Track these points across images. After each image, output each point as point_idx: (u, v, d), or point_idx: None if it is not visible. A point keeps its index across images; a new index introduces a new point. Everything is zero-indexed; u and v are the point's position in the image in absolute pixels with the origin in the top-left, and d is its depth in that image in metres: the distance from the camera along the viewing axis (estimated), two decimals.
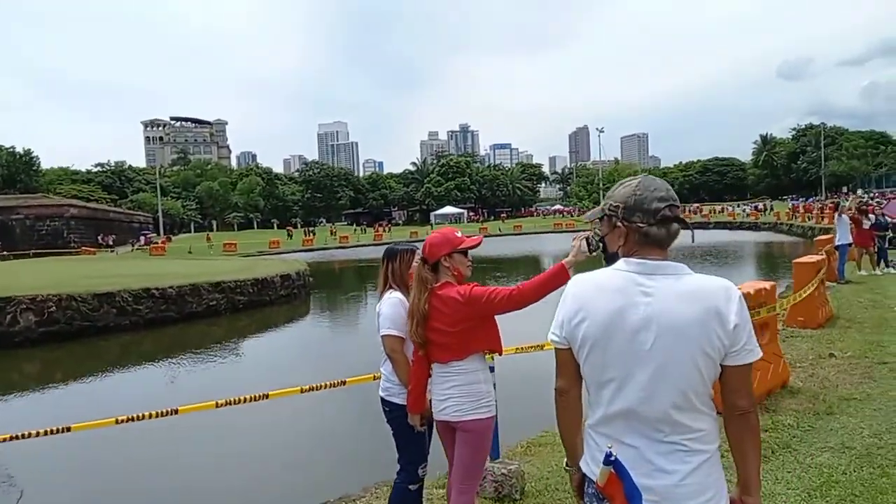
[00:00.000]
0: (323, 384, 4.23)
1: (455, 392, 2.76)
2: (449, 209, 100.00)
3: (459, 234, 2.91)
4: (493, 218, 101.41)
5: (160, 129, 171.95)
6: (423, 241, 2.98)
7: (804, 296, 7.87)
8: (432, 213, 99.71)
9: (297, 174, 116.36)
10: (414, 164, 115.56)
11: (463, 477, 2.81)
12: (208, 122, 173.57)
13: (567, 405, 1.80)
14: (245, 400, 4.06)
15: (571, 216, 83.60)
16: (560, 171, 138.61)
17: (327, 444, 7.22)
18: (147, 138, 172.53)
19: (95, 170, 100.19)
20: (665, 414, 1.58)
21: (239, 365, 12.48)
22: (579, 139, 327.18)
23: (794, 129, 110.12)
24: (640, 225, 1.67)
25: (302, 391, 4.20)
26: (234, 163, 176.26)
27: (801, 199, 73.01)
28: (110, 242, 53.37)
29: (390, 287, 3.18)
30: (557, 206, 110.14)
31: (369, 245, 56.51)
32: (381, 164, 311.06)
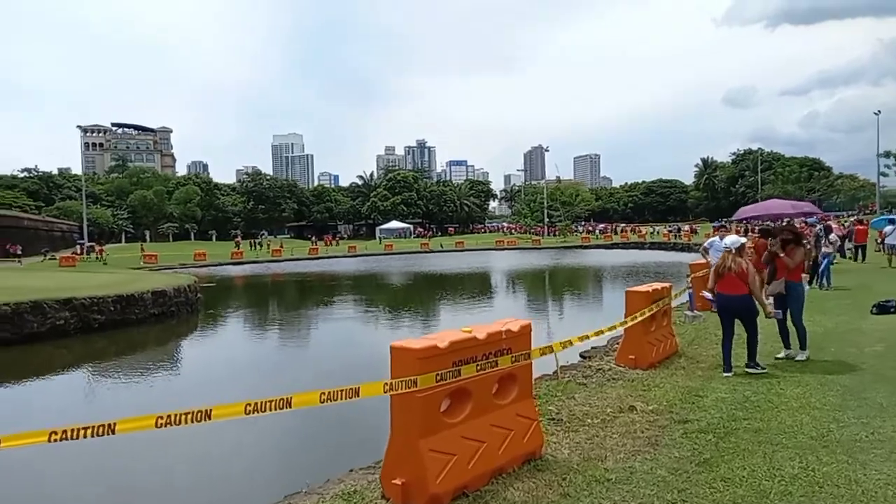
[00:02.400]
0: None
1: None
2: (395, 224, 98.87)
3: None
4: (440, 234, 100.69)
5: (100, 135, 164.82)
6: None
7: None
8: (378, 228, 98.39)
9: (238, 184, 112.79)
10: (361, 177, 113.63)
11: None
12: (152, 130, 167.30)
13: None
14: None
15: (513, 233, 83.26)
16: (509, 189, 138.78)
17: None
18: (86, 144, 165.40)
19: (22, 175, 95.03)
20: None
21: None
22: (534, 158, 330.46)
23: (734, 153, 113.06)
24: None
25: None
26: (182, 172, 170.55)
27: (717, 222, 74.41)
28: (18, 252, 49.81)
29: None
30: (505, 224, 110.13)
31: (305, 259, 54.73)
32: (336, 177, 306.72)
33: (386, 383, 3.78)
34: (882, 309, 10.12)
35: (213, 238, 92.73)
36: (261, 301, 26.40)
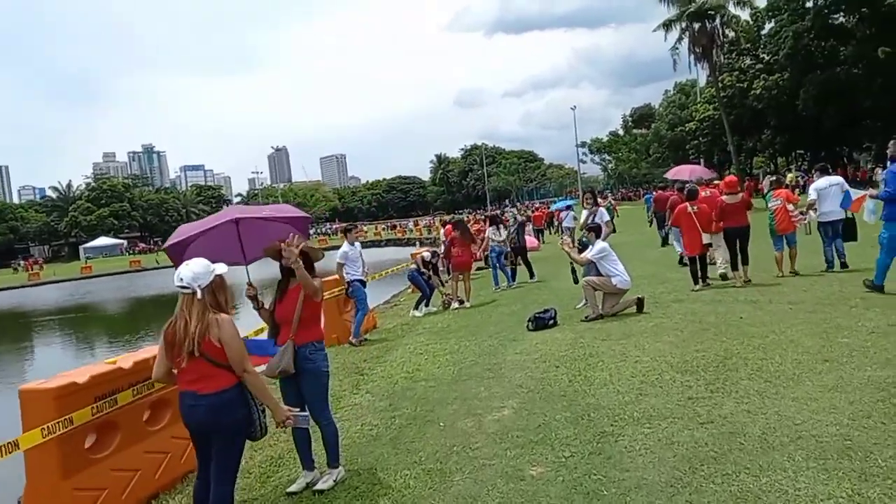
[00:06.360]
0: None
1: None
2: (104, 240, 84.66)
3: None
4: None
5: None
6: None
7: None
8: (82, 247, 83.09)
9: None
10: (56, 188, 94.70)
11: None
12: None
13: None
14: None
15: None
16: (246, 193, 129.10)
17: None
18: None
19: None
20: None
21: None
22: (278, 160, 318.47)
23: (462, 148, 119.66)
24: None
25: None
26: None
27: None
28: None
29: None
30: None
31: None
32: (42, 190, 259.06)
33: None
34: (538, 323, 7.65)
35: None
36: None
